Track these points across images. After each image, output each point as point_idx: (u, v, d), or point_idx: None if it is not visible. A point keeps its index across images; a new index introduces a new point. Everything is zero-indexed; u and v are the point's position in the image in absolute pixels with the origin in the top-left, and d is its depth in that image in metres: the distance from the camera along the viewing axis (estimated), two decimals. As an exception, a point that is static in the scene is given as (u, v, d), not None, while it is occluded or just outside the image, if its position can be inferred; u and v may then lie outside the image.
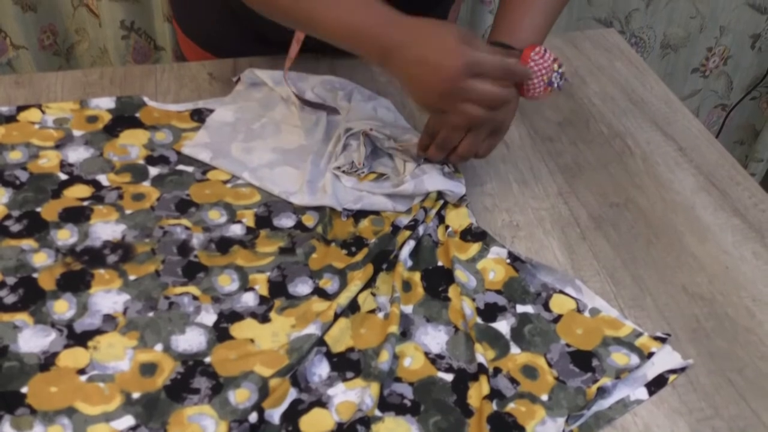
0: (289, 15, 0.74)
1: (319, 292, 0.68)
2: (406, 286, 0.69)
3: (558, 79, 0.75)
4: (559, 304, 0.69)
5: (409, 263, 0.72)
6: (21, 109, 0.84)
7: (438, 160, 0.77)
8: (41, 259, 0.68)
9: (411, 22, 0.68)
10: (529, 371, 0.63)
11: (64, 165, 0.78)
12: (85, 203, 0.74)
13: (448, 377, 0.62)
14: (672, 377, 0.63)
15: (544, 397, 0.61)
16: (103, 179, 0.77)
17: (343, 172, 0.78)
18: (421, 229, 0.73)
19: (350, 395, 0.60)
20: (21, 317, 0.63)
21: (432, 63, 0.65)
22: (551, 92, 0.76)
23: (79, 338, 0.62)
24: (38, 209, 0.73)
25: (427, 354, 0.64)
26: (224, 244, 0.71)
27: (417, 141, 0.78)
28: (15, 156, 0.79)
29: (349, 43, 0.71)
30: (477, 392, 0.60)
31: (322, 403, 0.59)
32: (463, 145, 0.74)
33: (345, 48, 0.73)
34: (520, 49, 0.74)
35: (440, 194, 0.77)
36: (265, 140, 0.83)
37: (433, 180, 0.75)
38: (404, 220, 0.74)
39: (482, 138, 0.75)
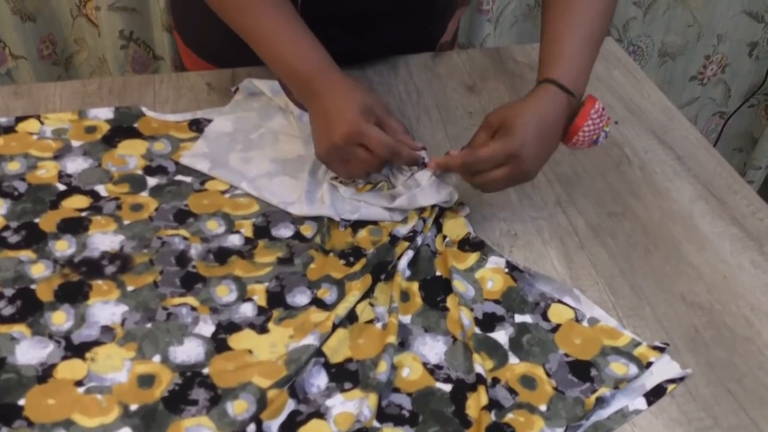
0: (234, 25, 0.79)
1: (318, 303, 0.68)
2: (404, 296, 0.69)
3: (603, 137, 0.75)
4: (557, 314, 0.69)
5: (408, 273, 0.71)
6: (19, 119, 0.84)
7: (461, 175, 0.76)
8: (39, 270, 0.68)
9: (334, 78, 0.74)
10: (528, 381, 0.63)
11: (62, 176, 0.78)
12: (84, 214, 0.74)
13: (447, 388, 0.62)
14: (671, 387, 0.63)
15: (543, 408, 0.61)
16: (101, 190, 0.77)
17: (341, 182, 0.78)
18: (419, 240, 0.73)
19: (348, 406, 0.60)
20: (19, 329, 0.63)
21: (328, 124, 0.72)
22: (591, 146, 0.76)
23: (76, 350, 0.62)
24: (36, 220, 0.73)
25: (425, 364, 0.64)
26: (222, 255, 0.71)
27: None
28: (13, 167, 0.79)
29: (281, 75, 0.78)
30: (475, 403, 0.60)
31: (320, 414, 0.59)
32: (496, 178, 0.72)
33: (274, 71, 0.79)
34: (579, 100, 0.74)
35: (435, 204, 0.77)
36: (264, 150, 0.83)
37: (425, 195, 0.75)
38: (402, 230, 0.74)
39: (510, 182, 0.74)
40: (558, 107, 0.72)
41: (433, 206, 0.76)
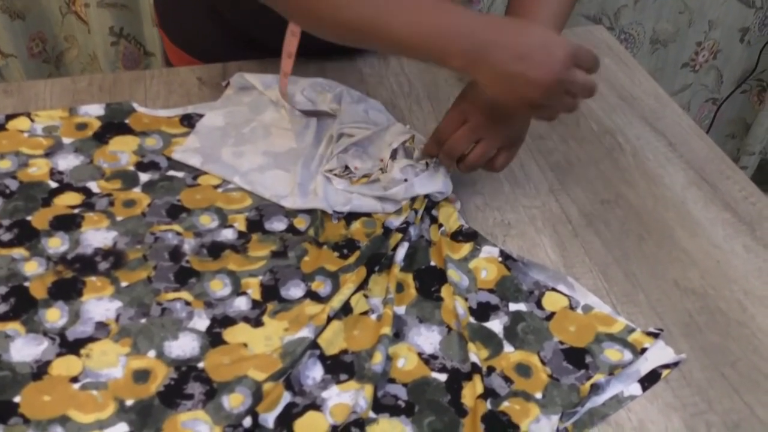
0: (347, 26, 0.67)
1: (312, 295, 0.68)
2: (399, 287, 0.69)
3: None
4: (551, 302, 0.69)
5: (402, 264, 0.72)
6: (9, 117, 0.84)
7: (447, 166, 0.77)
8: (32, 267, 0.68)
9: (497, 20, 0.65)
10: (523, 369, 0.63)
11: (54, 173, 0.78)
12: (76, 211, 0.74)
13: (442, 377, 0.62)
14: (665, 372, 0.63)
15: (538, 395, 0.61)
16: (93, 186, 0.77)
17: (335, 175, 0.78)
18: (412, 231, 0.74)
19: (344, 397, 0.60)
20: (13, 326, 0.63)
21: (537, 57, 0.63)
22: None
23: (71, 346, 0.62)
24: (29, 218, 0.73)
25: (420, 354, 0.64)
26: (216, 249, 0.71)
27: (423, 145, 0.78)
28: (4, 165, 0.78)
29: (425, 48, 0.65)
30: (471, 392, 0.60)
31: (316, 406, 0.59)
32: (474, 154, 0.73)
33: (413, 56, 0.69)
34: None
35: (428, 195, 0.77)
36: (256, 144, 0.83)
37: (422, 184, 0.75)
38: (395, 222, 0.74)
39: (492, 148, 0.74)
40: None
41: (424, 197, 0.76)
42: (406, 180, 0.76)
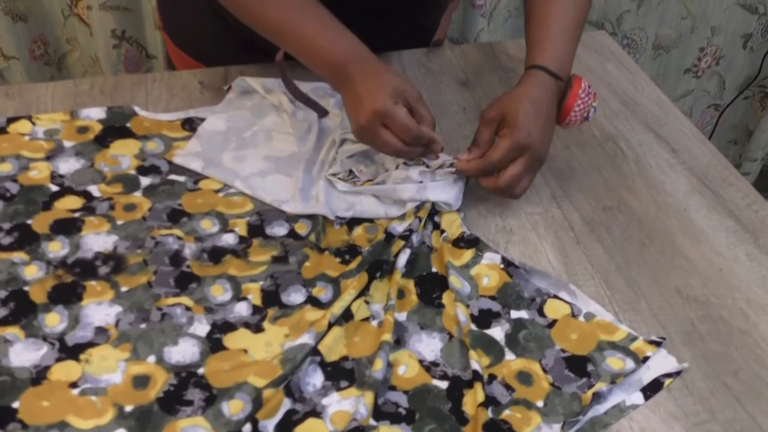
0: (269, 26, 0.79)
1: (313, 301, 0.67)
2: (400, 293, 0.69)
3: (593, 112, 0.80)
4: (553, 309, 0.69)
5: (403, 270, 0.71)
6: (11, 120, 0.84)
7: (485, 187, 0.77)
8: (32, 272, 0.68)
9: (369, 63, 0.75)
10: (524, 377, 0.63)
11: (54, 176, 0.78)
12: (77, 215, 0.74)
13: (443, 385, 0.62)
14: (667, 381, 0.63)
15: (540, 404, 0.61)
16: (94, 190, 0.77)
17: (339, 178, 0.78)
18: (414, 238, 0.73)
19: (345, 405, 0.59)
20: (12, 331, 0.63)
21: (357, 101, 0.72)
22: (583, 123, 0.81)
23: (71, 351, 0.62)
24: (29, 221, 0.73)
25: (421, 362, 0.63)
26: (217, 254, 0.71)
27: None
28: (5, 168, 0.78)
29: (317, 66, 0.78)
30: (472, 399, 0.60)
31: (316, 413, 0.59)
32: (506, 176, 0.74)
33: (305, 62, 0.79)
34: (565, 81, 0.79)
35: (434, 204, 0.76)
36: (257, 148, 0.83)
37: (436, 190, 0.75)
38: (398, 227, 0.74)
39: (529, 171, 0.76)
40: (548, 91, 0.77)
41: (430, 204, 0.76)
42: (421, 182, 0.76)
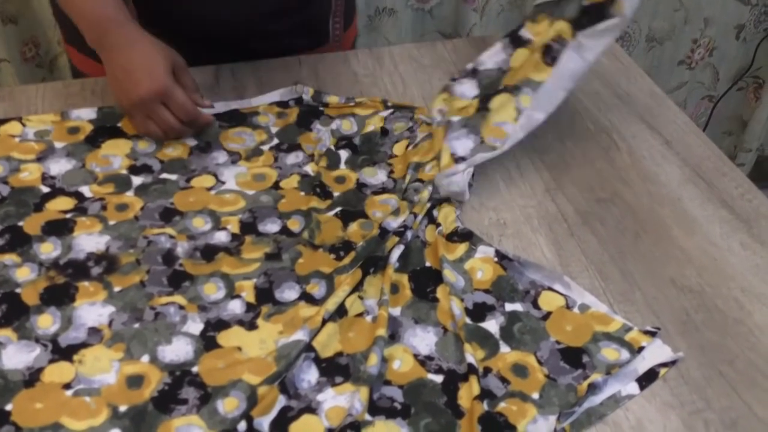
0: None
1: (307, 298, 0.67)
2: (394, 288, 0.69)
3: None
4: (548, 302, 0.68)
5: (397, 265, 0.71)
6: (1, 122, 0.84)
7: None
8: (24, 273, 0.67)
9: (133, 30, 0.77)
10: (520, 370, 0.63)
11: (45, 178, 0.78)
12: (68, 215, 0.73)
13: (438, 379, 0.62)
14: (663, 371, 0.63)
15: (535, 396, 0.61)
16: (85, 191, 0.76)
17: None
18: (409, 234, 0.73)
19: (340, 400, 0.59)
20: (4, 333, 0.62)
21: (134, 77, 0.74)
22: None
23: (64, 352, 0.61)
24: (20, 223, 0.72)
25: (416, 356, 0.63)
26: (209, 252, 0.71)
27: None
28: (-4, 170, 0.78)
29: (82, 29, 0.79)
30: (467, 393, 0.60)
31: (311, 409, 0.59)
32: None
33: (75, 22, 0.80)
34: None
35: (431, 196, 0.76)
36: None
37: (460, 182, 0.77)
38: (392, 223, 0.74)
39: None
40: None
41: (427, 201, 0.76)
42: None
